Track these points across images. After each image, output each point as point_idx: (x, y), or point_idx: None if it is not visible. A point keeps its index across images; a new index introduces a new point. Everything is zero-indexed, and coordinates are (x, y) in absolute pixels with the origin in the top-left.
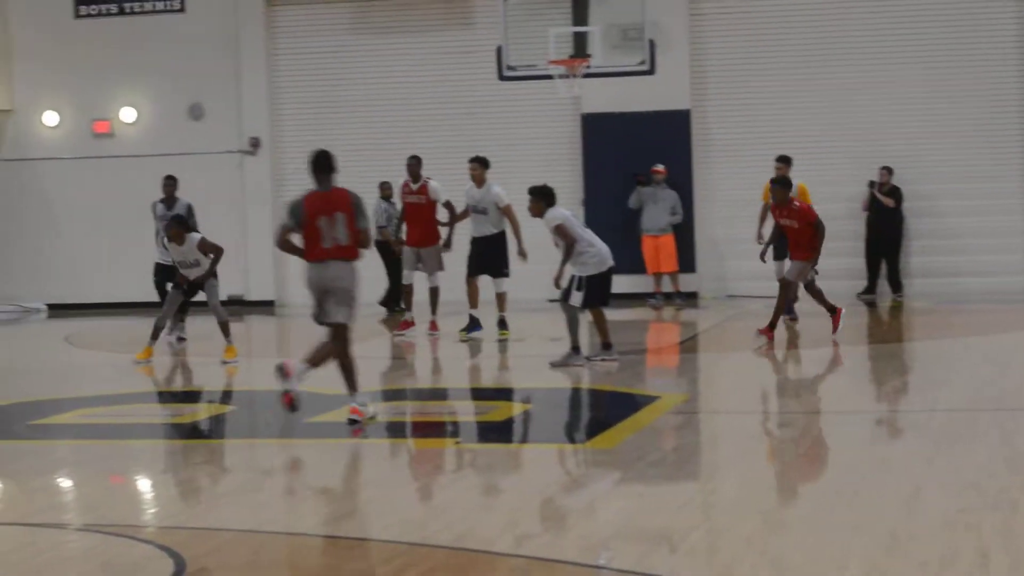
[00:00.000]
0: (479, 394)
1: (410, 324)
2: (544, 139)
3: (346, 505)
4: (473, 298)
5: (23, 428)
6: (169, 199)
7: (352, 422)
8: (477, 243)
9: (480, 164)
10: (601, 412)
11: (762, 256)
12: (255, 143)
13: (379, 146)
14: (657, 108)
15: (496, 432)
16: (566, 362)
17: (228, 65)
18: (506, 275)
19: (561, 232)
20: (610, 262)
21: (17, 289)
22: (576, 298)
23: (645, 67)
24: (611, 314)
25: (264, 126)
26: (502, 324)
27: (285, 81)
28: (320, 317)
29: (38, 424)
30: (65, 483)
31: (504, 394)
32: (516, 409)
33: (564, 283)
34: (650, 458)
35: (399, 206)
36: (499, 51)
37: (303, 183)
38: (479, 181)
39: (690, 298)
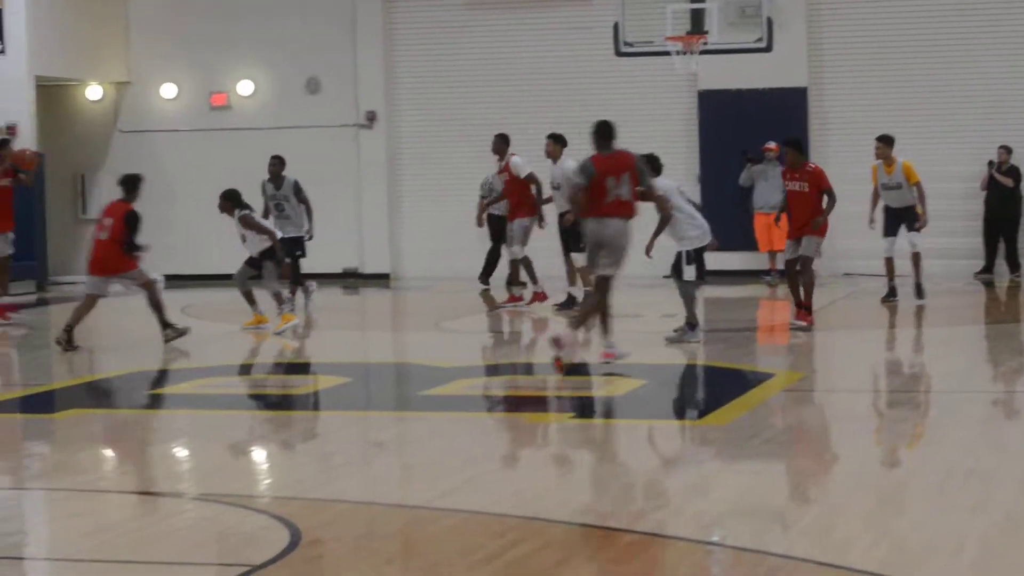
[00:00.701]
0: (592, 369)
1: (518, 299)
2: (660, 116)
3: (459, 478)
4: (570, 275)
5: (142, 398)
6: (276, 178)
7: (605, 363)
8: (560, 219)
9: (553, 140)
10: (715, 389)
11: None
12: (371, 117)
13: (494, 121)
14: (774, 85)
15: (609, 408)
16: (681, 339)
17: (345, 39)
18: (582, 250)
19: (660, 202)
20: (710, 235)
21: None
22: (688, 272)
23: (762, 44)
24: (725, 291)
25: (380, 100)
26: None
27: (402, 55)
28: (592, 267)
29: (156, 394)
30: (182, 453)
31: (618, 368)
32: (630, 385)
33: (654, 254)
34: (764, 435)
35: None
36: (616, 27)
37: (418, 156)
38: (554, 157)
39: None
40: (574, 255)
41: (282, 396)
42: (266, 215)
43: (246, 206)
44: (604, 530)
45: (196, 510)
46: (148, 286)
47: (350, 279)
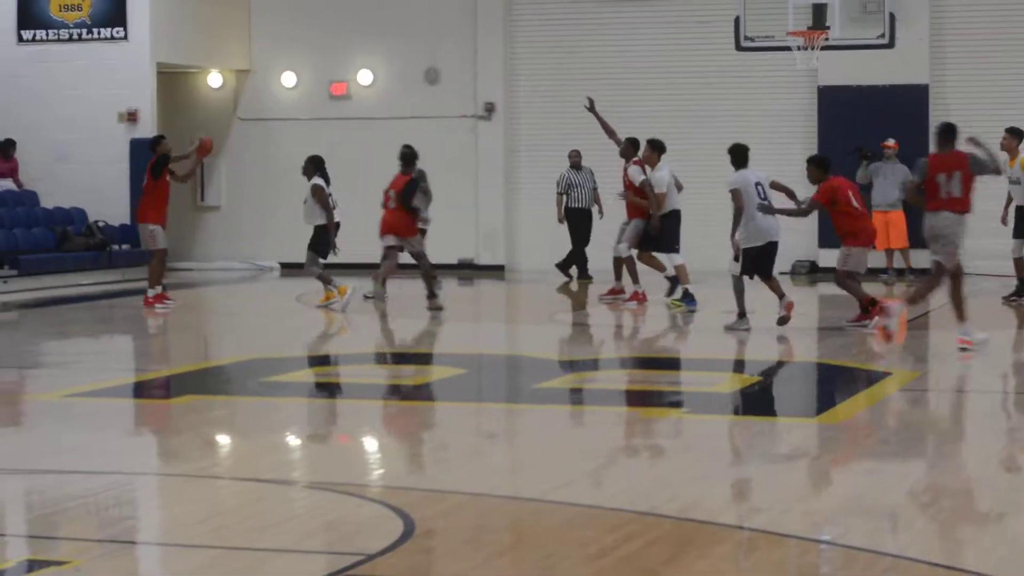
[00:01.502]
0: (705, 364)
1: (618, 292)
2: (779, 111)
3: (574, 472)
4: (633, 273)
5: (256, 385)
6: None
7: (962, 350)
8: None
9: (651, 147)
10: (831, 387)
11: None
12: (490, 108)
13: (614, 114)
14: (895, 82)
15: (723, 404)
16: (734, 327)
17: (465, 29)
18: (676, 251)
19: (734, 196)
20: (770, 237)
21: (251, 248)
22: (734, 267)
23: (884, 40)
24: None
25: (499, 91)
26: (677, 294)
27: (521, 47)
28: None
29: (270, 381)
30: (295, 441)
31: (732, 365)
32: (744, 381)
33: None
34: (880, 434)
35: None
36: (737, 21)
37: (536, 148)
38: (651, 163)
39: (923, 274)
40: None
41: (397, 386)
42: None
43: (325, 177)
44: (717, 526)
45: (309, 498)
46: (419, 256)
47: (466, 270)
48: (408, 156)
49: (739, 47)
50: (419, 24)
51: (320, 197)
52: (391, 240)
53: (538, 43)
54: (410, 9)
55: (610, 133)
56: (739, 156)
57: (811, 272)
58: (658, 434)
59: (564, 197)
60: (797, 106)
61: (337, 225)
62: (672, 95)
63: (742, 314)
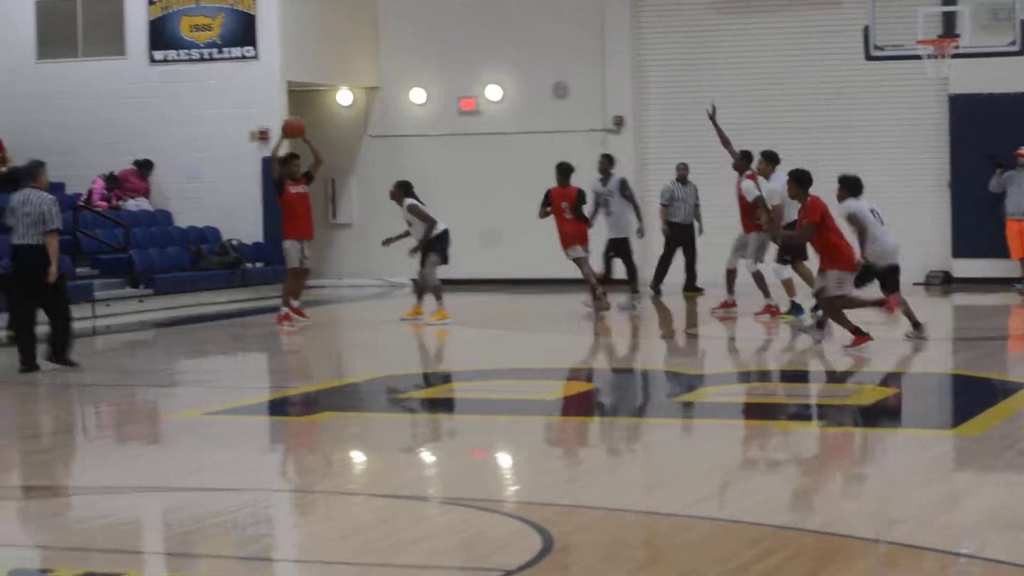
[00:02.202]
0: (839, 376)
1: (730, 305)
2: (910, 120)
3: (710, 486)
4: (807, 279)
5: (391, 402)
6: (605, 176)
7: None
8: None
9: (766, 159)
10: (967, 399)
11: None
12: (619, 122)
13: (742, 127)
14: None
15: (861, 416)
16: (805, 327)
17: (593, 43)
18: (786, 262)
19: (853, 221)
20: (890, 260)
21: (383, 264)
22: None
23: (1015, 47)
24: (976, 299)
25: (628, 105)
26: (797, 309)
27: (650, 60)
28: None
29: (405, 398)
30: (430, 457)
31: (865, 377)
32: (880, 393)
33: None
34: (1020, 446)
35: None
36: (866, 30)
37: (665, 161)
38: (765, 175)
39: None
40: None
41: (529, 401)
42: (595, 213)
43: (414, 196)
44: (856, 539)
45: (447, 514)
46: (580, 262)
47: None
48: (565, 169)
49: (869, 56)
50: (547, 38)
51: (419, 212)
52: (580, 251)
53: (666, 55)
54: (538, 23)
55: (726, 143)
56: (854, 186)
57: (945, 283)
58: (794, 447)
59: (666, 209)
60: (928, 115)
61: (446, 233)
62: (802, 105)
63: (822, 323)
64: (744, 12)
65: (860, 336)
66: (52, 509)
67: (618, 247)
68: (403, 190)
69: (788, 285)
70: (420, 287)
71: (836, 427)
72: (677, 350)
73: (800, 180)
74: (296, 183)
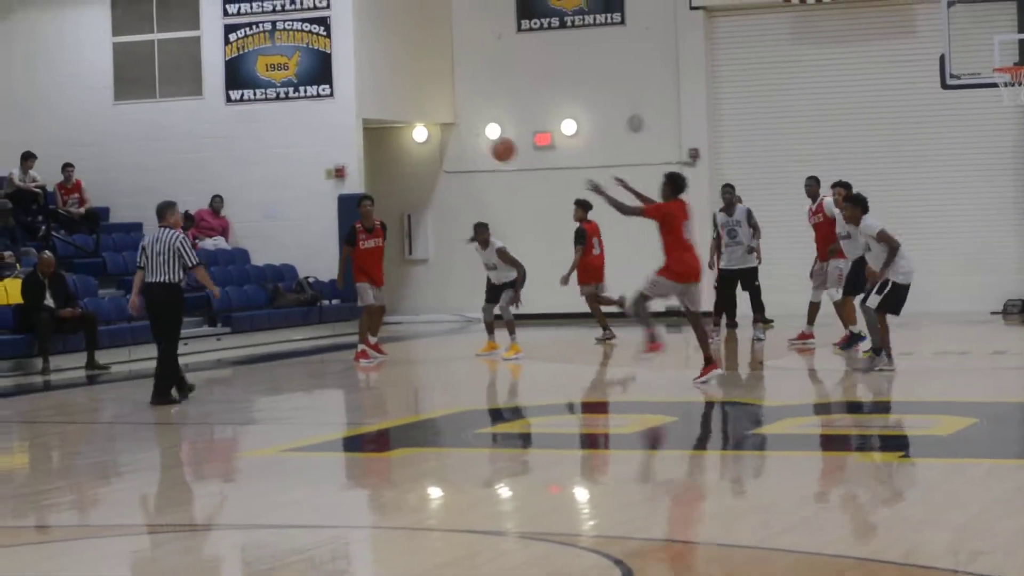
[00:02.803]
0: (917, 408)
1: (807, 336)
2: (988, 147)
3: (792, 518)
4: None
5: (470, 436)
6: (729, 206)
7: None
8: (853, 265)
9: (842, 188)
10: None
11: None
12: (694, 154)
13: (819, 157)
14: None
15: (942, 446)
16: (870, 366)
17: (667, 76)
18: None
19: (884, 238)
20: (913, 277)
21: (459, 300)
22: (873, 300)
23: None
24: None
25: (703, 137)
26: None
27: (724, 92)
28: None
29: (483, 433)
30: (508, 492)
31: (945, 408)
32: (961, 424)
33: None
34: None
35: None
36: (942, 59)
37: (741, 193)
38: (842, 208)
39: None
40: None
41: (606, 434)
42: (718, 244)
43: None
44: (940, 571)
45: (527, 549)
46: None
47: (674, 317)
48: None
49: (945, 85)
50: (621, 72)
51: (508, 257)
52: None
53: (740, 87)
54: (612, 57)
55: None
56: (864, 204)
57: (1023, 311)
58: (875, 478)
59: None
60: (1006, 142)
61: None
62: (879, 135)
63: (877, 350)
64: (819, 43)
65: (653, 343)
66: (133, 547)
67: (747, 277)
68: (487, 230)
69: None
70: (489, 323)
71: (918, 458)
72: (752, 382)
73: (671, 181)
74: (369, 235)
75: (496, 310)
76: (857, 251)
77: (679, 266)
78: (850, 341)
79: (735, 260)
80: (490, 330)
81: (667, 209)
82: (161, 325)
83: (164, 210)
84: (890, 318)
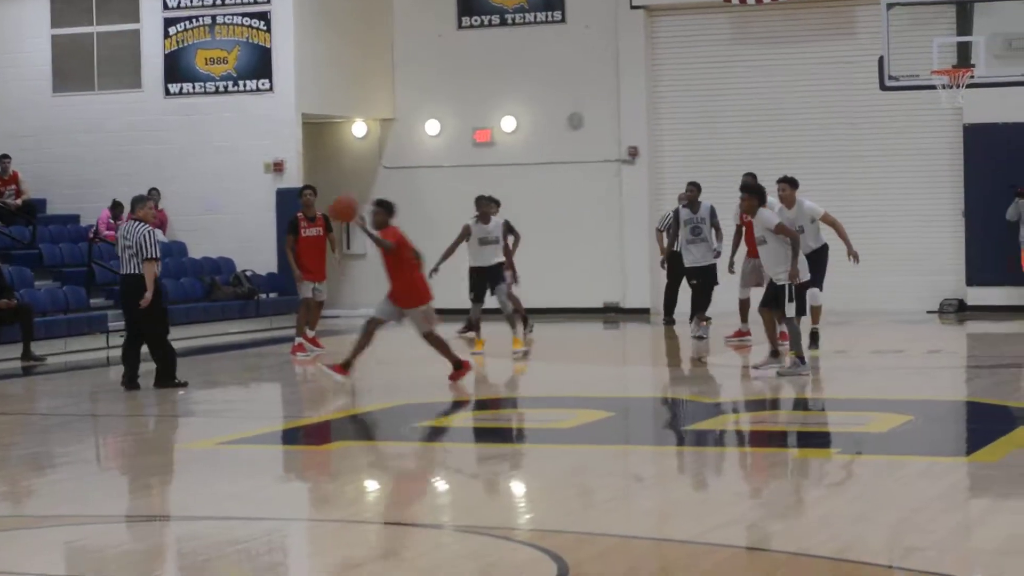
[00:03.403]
0: (852, 405)
1: (744, 334)
2: (925, 150)
3: (725, 514)
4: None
5: (407, 430)
6: (692, 203)
7: None
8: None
9: (788, 184)
10: (983, 425)
11: None
12: (633, 152)
13: (758, 156)
14: None
15: (876, 443)
16: (789, 372)
17: (607, 74)
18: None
19: (782, 230)
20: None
21: None
22: (790, 309)
23: None
24: (989, 327)
25: (642, 135)
26: (814, 337)
27: (664, 90)
28: None
29: (420, 426)
30: (444, 485)
31: (880, 405)
32: (895, 421)
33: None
34: None
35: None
36: (881, 60)
37: (680, 192)
38: (789, 202)
39: None
40: None
41: (544, 430)
42: (672, 239)
43: None
44: (874, 567)
45: (462, 542)
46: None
47: (611, 313)
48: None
49: (883, 87)
50: (561, 69)
51: (512, 229)
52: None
53: (681, 85)
54: (552, 55)
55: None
56: (762, 196)
57: (959, 310)
58: (811, 475)
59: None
60: (943, 144)
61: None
62: (816, 135)
63: (801, 357)
64: (759, 43)
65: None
66: (67, 538)
67: (708, 275)
68: (497, 206)
69: (815, 312)
70: (477, 320)
71: (852, 454)
72: (692, 378)
73: (383, 207)
74: (311, 224)
75: (497, 305)
76: (806, 247)
77: (409, 290)
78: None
79: (698, 257)
80: (477, 327)
81: (399, 235)
82: (135, 316)
83: (135, 203)
84: (803, 319)
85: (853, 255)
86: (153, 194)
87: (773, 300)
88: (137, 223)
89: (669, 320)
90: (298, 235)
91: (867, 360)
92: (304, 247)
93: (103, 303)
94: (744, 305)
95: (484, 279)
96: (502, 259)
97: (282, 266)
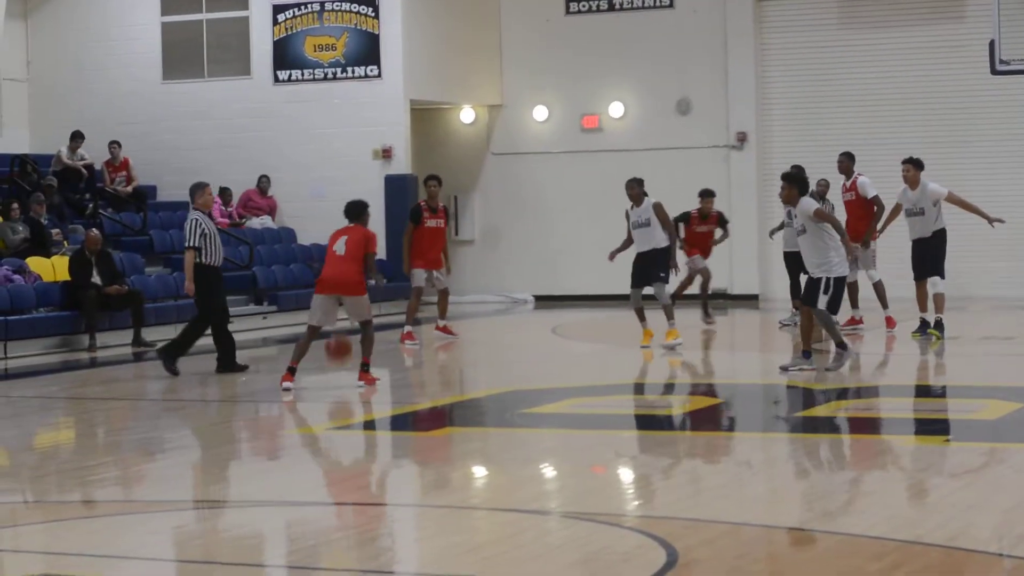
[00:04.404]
0: (964, 392)
1: (857, 321)
2: None
3: (835, 501)
4: (921, 301)
5: (514, 416)
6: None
7: None
8: (915, 245)
9: (912, 165)
10: None
11: None
12: (742, 138)
13: (867, 141)
14: None
15: (987, 431)
16: (796, 364)
17: (716, 60)
18: (940, 276)
19: (822, 216)
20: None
21: (506, 280)
22: (822, 301)
23: None
24: None
25: (751, 121)
26: (938, 326)
27: (773, 75)
28: None
29: (528, 413)
30: (552, 472)
31: (992, 392)
32: (1007, 408)
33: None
34: None
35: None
36: (992, 44)
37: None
38: (913, 183)
39: None
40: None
41: (651, 416)
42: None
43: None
44: (985, 555)
45: (570, 528)
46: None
47: (719, 299)
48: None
49: (994, 71)
50: (669, 55)
51: (664, 214)
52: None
53: (789, 71)
54: (660, 40)
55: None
56: (803, 183)
57: None
58: (921, 462)
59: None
60: None
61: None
62: (927, 120)
63: (808, 352)
64: (868, 28)
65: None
66: (177, 523)
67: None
68: (641, 187)
69: (938, 301)
70: (639, 309)
71: (965, 441)
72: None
73: (353, 209)
74: (433, 215)
75: (653, 294)
76: (926, 230)
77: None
78: (922, 326)
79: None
80: (641, 316)
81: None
82: (196, 302)
83: (192, 192)
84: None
85: (995, 221)
86: (263, 181)
87: (808, 294)
88: (191, 211)
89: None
90: (420, 224)
91: (978, 346)
92: (425, 236)
93: None
94: (852, 289)
95: (643, 265)
96: (659, 244)
97: (391, 252)
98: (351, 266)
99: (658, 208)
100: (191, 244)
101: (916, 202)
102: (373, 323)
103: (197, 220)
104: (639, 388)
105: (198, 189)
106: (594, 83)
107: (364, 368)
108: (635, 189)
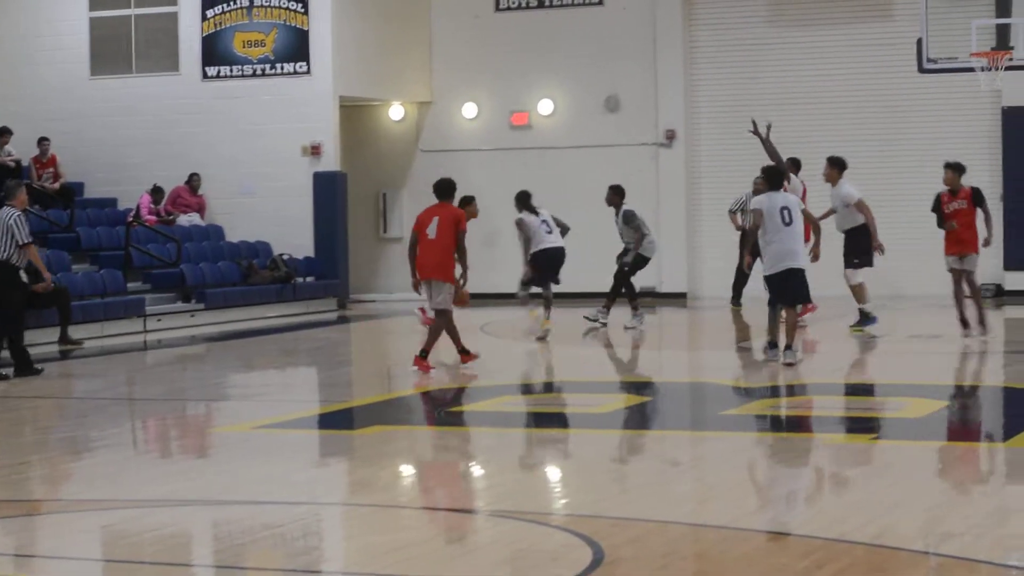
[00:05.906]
0: (889, 390)
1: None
2: (963, 133)
3: (760, 499)
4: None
5: (441, 416)
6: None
7: None
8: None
9: (829, 164)
10: (1019, 411)
11: None
12: (670, 135)
13: (795, 140)
14: None
15: (912, 429)
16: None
17: (645, 57)
18: (855, 265)
19: (755, 216)
20: (788, 263)
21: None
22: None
23: None
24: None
25: (679, 119)
26: (863, 317)
27: (702, 73)
28: None
29: (455, 411)
30: (480, 470)
31: (917, 390)
32: (931, 407)
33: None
34: None
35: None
36: (919, 43)
37: (717, 175)
38: (831, 181)
39: None
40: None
41: (579, 415)
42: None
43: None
44: (910, 552)
45: (497, 527)
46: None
47: (647, 298)
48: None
49: (922, 69)
50: (599, 52)
51: (634, 223)
52: None
53: (718, 68)
54: (589, 37)
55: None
56: (775, 179)
57: (997, 295)
58: (847, 460)
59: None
60: (981, 127)
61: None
62: (854, 118)
63: (772, 343)
64: (796, 26)
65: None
66: (103, 522)
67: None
68: (621, 195)
69: (859, 290)
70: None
71: (889, 439)
72: (731, 363)
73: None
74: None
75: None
76: (841, 227)
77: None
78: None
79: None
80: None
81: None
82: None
83: (12, 190)
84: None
85: (878, 247)
86: (194, 179)
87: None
88: (8, 208)
89: (737, 302)
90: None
91: (903, 345)
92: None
93: (140, 287)
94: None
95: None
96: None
97: (319, 250)
98: (443, 251)
99: (627, 217)
100: (28, 240)
101: (832, 200)
102: (448, 314)
103: (20, 215)
104: (568, 387)
105: (17, 188)
106: (523, 80)
107: (422, 355)
108: (614, 197)
